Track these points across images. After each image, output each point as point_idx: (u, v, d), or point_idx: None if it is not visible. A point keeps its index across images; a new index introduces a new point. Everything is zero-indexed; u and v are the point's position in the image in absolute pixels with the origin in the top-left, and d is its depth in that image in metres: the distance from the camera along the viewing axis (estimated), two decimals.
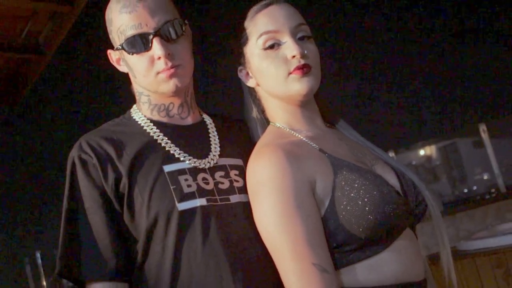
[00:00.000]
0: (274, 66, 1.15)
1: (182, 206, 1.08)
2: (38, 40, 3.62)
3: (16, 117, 4.37)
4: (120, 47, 1.15)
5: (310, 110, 1.22)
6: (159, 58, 1.12)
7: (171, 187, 1.09)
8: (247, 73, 1.23)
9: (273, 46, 1.15)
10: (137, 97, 1.24)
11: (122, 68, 1.22)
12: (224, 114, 1.34)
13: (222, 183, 1.14)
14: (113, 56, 1.22)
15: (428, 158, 4.72)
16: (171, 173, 1.11)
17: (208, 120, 1.27)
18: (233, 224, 1.11)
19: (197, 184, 1.12)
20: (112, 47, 1.20)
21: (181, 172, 1.12)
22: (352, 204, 1.04)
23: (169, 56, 1.12)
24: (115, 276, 1.08)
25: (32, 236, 4.12)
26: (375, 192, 1.05)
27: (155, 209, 1.08)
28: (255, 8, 1.19)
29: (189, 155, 1.15)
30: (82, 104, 4.21)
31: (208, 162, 1.16)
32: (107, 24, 1.19)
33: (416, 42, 4.51)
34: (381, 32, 4.48)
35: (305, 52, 1.14)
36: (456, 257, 2.68)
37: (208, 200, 1.11)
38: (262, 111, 1.25)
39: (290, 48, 1.14)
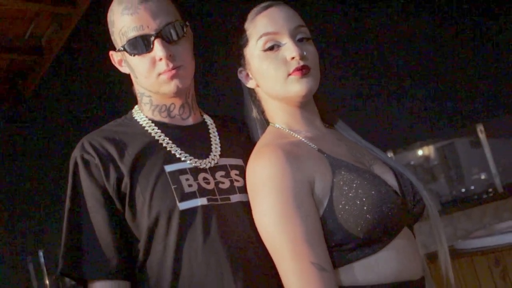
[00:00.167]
0: (273, 67, 1.15)
1: (183, 205, 1.09)
2: (41, 41, 3.64)
3: (19, 117, 4.37)
4: (122, 48, 1.15)
5: (309, 111, 1.23)
6: (161, 59, 1.12)
7: (172, 187, 1.10)
8: (247, 74, 1.23)
9: (273, 47, 1.16)
10: (138, 98, 1.24)
11: (124, 69, 1.23)
12: (225, 115, 1.35)
13: (223, 182, 1.15)
14: (115, 57, 1.22)
15: (426, 158, 4.73)
16: (172, 173, 1.12)
17: (208, 120, 1.27)
18: (234, 223, 1.11)
19: (198, 184, 1.12)
20: (114, 49, 1.21)
21: (182, 172, 1.13)
22: (350, 203, 1.05)
23: (170, 57, 1.13)
24: (116, 274, 1.09)
25: (35, 235, 4.12)
26: (373, 192, 1.05)
27: (157, 208, 1.08)
28: (255, 10, 1.20)
29: (190, 155, 1.16)
30: (84, 105, 4.21)
31: (208, 162, 1.17)
32: (109, 26, 1.20)
33: (414, 42, 4.52)
34: (380, 33, 4.48)
35: (304, 53, 1.15)
36: (454, 256, 2.67)
37: (209, 200, 1.11)
38: (261, 112, 1.25)
39: (289, 50, 1.14)
